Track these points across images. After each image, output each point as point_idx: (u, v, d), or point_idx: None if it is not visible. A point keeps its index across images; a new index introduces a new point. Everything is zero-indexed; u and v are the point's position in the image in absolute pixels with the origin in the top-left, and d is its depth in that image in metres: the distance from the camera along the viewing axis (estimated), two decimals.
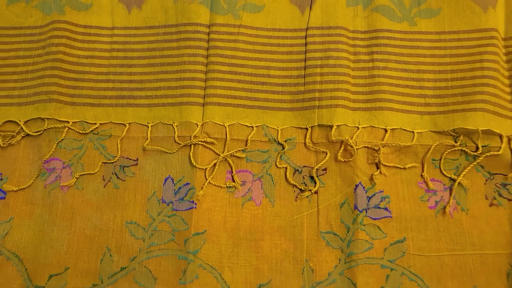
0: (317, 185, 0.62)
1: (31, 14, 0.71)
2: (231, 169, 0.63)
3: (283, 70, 0.67)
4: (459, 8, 0.68)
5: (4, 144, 0.65)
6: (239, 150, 0.64)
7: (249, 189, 0.63)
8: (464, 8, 0.68)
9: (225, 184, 0.63)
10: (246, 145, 0.64)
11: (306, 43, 0.68)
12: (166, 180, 0.63)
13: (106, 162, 0.64)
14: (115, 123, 0.65)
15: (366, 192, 0.62)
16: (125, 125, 0.65)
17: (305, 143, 0.64)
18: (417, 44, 0.68)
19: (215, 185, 0.63)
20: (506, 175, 0.63)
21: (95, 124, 0.65)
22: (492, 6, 0.68)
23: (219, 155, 0.63)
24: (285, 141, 0.64)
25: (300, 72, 0.67)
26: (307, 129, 0.65)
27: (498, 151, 0.62)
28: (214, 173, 0.63)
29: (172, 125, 0.64)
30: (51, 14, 0.70)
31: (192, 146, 0.63)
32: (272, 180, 0.63)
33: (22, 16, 0.71)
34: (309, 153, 0.64)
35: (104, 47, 0.69)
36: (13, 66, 0.68)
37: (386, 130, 0.64)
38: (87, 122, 0.65)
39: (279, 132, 0.65)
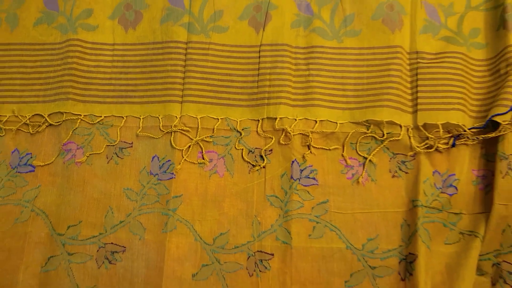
0: (265, 162, 0.85)
1: (51, 33, 0.93)
2: (202, 150, 0.86)
3: (242, 76, 0.89)
4: (374, 30, 0.91)
5: (33, 131, 0.87)
6: (208, 136, 0.86)
7: (215, 165, 0.86)
8: (378, 30, 0.91)
9: (197, 161, 0.85)
10: (213, 132, 0.86)
11: (259, 56, 0.90)
12: (153, 158, 0.85)
13: (109, 145, 0.86)
14: (115, 116, 0.88)
15: (299, 166, 0.84)
16: (123, 118, 0.87)
17: (257, 131, 0.86)
18: (343, 57, 0.90)
19: (189, 161, 0.85)
20: (405, 154, 0.85)
21: (101, 116, 0.87)
22: (398, 29, 0.90)
23: (193, 139, 0.86)
24: (242, 129, 0.87)
25: (255, 78, 0.89)
26: (258, 120, 0.87)
27: (399, 137, 0.85)
28: (189, 152, 0.85)
29: (158, 117, 0.87)
30: (67, 33, 0.92)
31: (173, 133, 0.85)
32: (232, 158, 0.86)
33: (45, 35, 0.93)
34: (260, 138, 0.86)
35: (107, 59, 0.91)
36: (38, 73, 0.90)
37: (316, 121, 0.86)
38: (94, 115, 0.87)
39: (238, 123, 0.87)
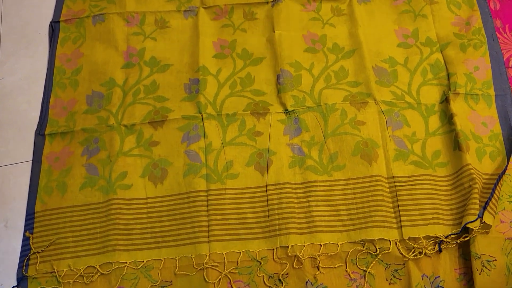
0: (284, 285, 1.02)
1: (95, 194, 1.13)
2: (230, 281, 1.03)
3: (255, 213, 1.09)
4: (355, 164, 1.13)
5: (87, 282, 1.04)
6: (233, 268, 1.04)
7: None
8: (358, 163, 1.13)
9: None
10: (237, 264, 1.04)
11: (267, 195, 1.11)
12: None
13: (152, 285, 1.04)
14: (155, 259, 1.06)
15: (312, 285, 1.02)
16: (161, 260, 1.06)
17: (273, 258, 1.05)
18: (334, 188, 1.11)
19: None
20: (397, 263, 1.04)
21: (143, 261, 1.05)
22: (374, 161, 1.12)
23: (222, 273, 1.04)
24: (261, 258, 1.05)
25: (265, 213, 1.09)
26: (273, 250, 1.06)
27: (389, 250, 1.04)
28: (220, 284, 1.02)
29: (191, 257, 1.05)
30: (108, 194, 1.12)
31: (205, 269, 1.04)
32: (256, 284, 1.03)
33: (89, 197, 1.13)
34: (276, 265, 1.04)
35: (142, 211, 1.11)
36: (87, 230, 1.09)
37: (321, 245, 1.05)
38: (138, 261, 1.05)
39: (257, 253, 1.05)
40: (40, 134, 1.20)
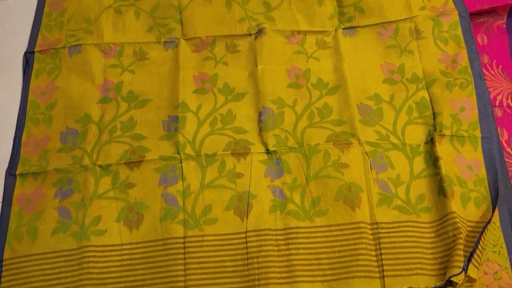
0: None
1: (67, 240, 1.08)
2: None
3: (233, 261, 1.05)
4: (338, 209, 1.10)
5: None
6: None
7: None
8: (341, 209, 1.09)
9: None
10: None
11: (246, 242, 1.07)
12: None
13: None
14: None
15: None
16: None
17: None
18: (316, 235, 1.08)
19: None
20: None
21: None
22: (357, 206, 1.09)
23: None
24: None
25: (244, 262, 1.05)
26: None
27: None
28: None
29: None
30: (81, 240, 1.07)
31: None
32: None
33: (61, 242, 1.08)
34: None
35: (116, 259, 1.06)
36: (57, 279, 1.04)
37: None
38: None
39: None
40: (11, 174, 1.15)
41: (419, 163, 1.15)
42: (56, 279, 1.04)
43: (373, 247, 1.06)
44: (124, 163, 1.15)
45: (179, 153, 1.15)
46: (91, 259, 1.05)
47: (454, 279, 0.97)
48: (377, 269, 1.04)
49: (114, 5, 1.37)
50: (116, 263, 1.06)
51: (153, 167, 1.14)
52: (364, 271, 1.02)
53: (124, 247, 1.08)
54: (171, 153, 1.15)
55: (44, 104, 1.24)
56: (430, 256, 1.05)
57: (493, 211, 1.07)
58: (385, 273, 1.03)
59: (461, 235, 1.02)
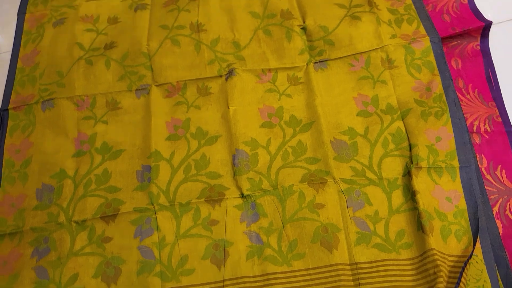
0: None
1: None
2: None
3: None
4: (315, 251, 1.07)
5: None
6: None
7: None
8: (318, 251, 1.07)
9: None
10: None
11: None
12: None
13: None
14: None
15: None
16: None
17: None
18: (294, 279, 1.06)
19: None
20: None
21: None
22: (335, 248, 1.07)
23: None
24: None
25: None
26: None
27: None
28: None
29: None
30: None
31: None
32: None
33: None
34: None
35: None
36: None
37: None
38: None
39: None
40: None
41: (398, 197, 1.13)
42: None
43: (352, 282, 1.04)
44: (100, 217, 1.14)
45: (152, 204, 1.14)
46: None
47: None
48: None
49: (84, 56, 1.38)
50: None
51: (128, 219, 1.14)
52: None
53: None
54: (145, 205, 1.15)
55: (19, 162, 1.24)
56: None
57: (474, 244, 1.04)
58: None
59: (441, 273, 0.99)
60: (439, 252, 1.03)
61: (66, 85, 1.33)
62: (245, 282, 1.05)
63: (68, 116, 1.29)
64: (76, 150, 1.24)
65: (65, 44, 1.40)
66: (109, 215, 1.14)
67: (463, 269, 1.00)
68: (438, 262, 1.01)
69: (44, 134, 1.27)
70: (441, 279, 0.99)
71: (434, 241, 1.04)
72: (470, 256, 1.02)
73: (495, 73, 1.28)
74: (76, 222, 1.15)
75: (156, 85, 1.32)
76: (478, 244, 1.06)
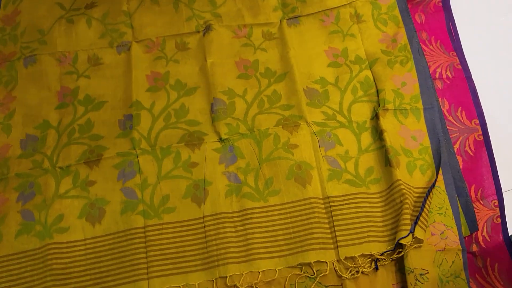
0: None
1: (31, 241, 1.12)
2: None
3: (193, 245, 1.09)
4: (290, 187, 1.14)
5: None
6: None
7: None
8: (293, 187, 1.14)
9: None
10: None
11: (204, 226, 1.11)
12: None
13: None
14: None
15: None
16: None
17: None
18: (270, 213, 1.12)
19: None
20: (335, 285, 1.05)
21: None
22: (308, 183, 1.14)
23: None
24: None
25: (204, 245, 1.09)
26: (213, 281, 1.06)
27: (326, 272, 1.05)
28: None
29: None
30: (44, 239, 1.11)
31: None
32: None
33: (26, 243, 1.11)
34: None
35: (81, 253, 1.09)
36: (24, 278, 1.08)
37: (259, 272, 1.06)
38: None
39: (197, 286, 1.05)
40: None
41: (366, 138, 1.20)
42: (22, 278, 1.07)
43: (326, 220, 1.10)
44: (84, 162, 1.19)
45: (135, 149, 1.19)
46: (55, 255, 1.08)
47: (402, 241, 1.02)
48: (331, 241, 1.08)
49: (66, 15, 1.42)
50: (81, 257, 1.09)
51: (111, 164, 1.19)
52: (318, 243, 1.07)
53: (87, 241, 1.11)
54: (127, 149, 1.20)
55: (3, 114, 1.27)
56: (381, 224, 1.10)
57: (436, 176, 1.12)
58: (338, 244, 1.07)
59: (407, 201, 1.07)
60: (405, 183, 1.10)
61: (47, 43, 1.37)
62: (223, 217, 1.11)
63: (51, 71, 1.33)
64: (59, 102, 1.28)
65: (45, 4, 1.44)
66: (92, 160, 1.19)
67: (426, 197, 1.08)
68: (404, 191, 1.08)
69: (27, 89, 1.31)
70: (407, 205, 1.06)
71: (400, 174, 1.12)
72: (433, 186, 1.10)
73: (456, 26, 1.36)
74: (61, 168, 1.19)
75: (136, 42, 1.37)
76: (440, 177, 1.14)
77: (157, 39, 1.37)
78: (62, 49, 1.36)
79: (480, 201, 1.12)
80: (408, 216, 1.05)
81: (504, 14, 1.40)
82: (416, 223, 1.04)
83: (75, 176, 1.18)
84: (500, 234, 1.08)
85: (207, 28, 1.37)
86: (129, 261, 1.07)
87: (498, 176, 1.14)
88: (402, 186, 1.09)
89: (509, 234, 1.08)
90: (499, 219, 1.09)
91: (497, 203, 1.11)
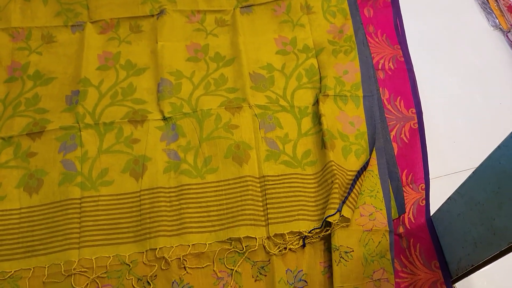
0: (151, 286, 1.04)
1: None
2: (98, 285, 1.04)
3: (127, 218, 1.11)
4: (227, 166, 1.16)
5: None
6: (102, 273, 1.05)
7: None
8: (230, 165, 1.16)
9: None
10: (106, 268, 1.05)
11: (140, 200, 1.13)
12: None
13: None
14: (24, 269, 1.05)
15: (178, 286, 1.04)
16: (30, 269, 1.05)
17: (143, 261, 1.06)
18: (206, 190, 1.14)
19: None
20: (263, 260, 1.07)
21: (11, 271, 1.05)
22: (245, 162, 1.16)
23: (90, 277, 1.05)
24: (131, 262, 1.06)
25: (138, 218, 1.11)
26: (143, 253, 1.07)
27: (255, 248, 1.07)
28: None
29: (60, 264, 1.05)
30: None
31: (73, 275, 1.04)
32: (125, 287, 1.04)
33: None
34: (146, 267, 1.06)
35: (15, 222, 1.10)
36: None
37: (189, 246, 1.08)
38: (5, 271, 1.05)
39: (127, 257, 1.07)
40: None
41: (307, 122, 1.24)
42: None
43: (260, 198, 1.13)
44: (26, 134, 1.20)
45: (78, 123, 1.21)
46: None
47: (329, 219, 1.05)
48: (263, 218, 1.10)
49: None
50: (15, 226, 1.10)
51: (53, 136, 1.20)
52: (250, 219, 1.09)
53: (23, 210, 1.12)
54: (71, 123, 1.22)
55: None
56: (312, 204, 1.12)
57: (369, 159, 1.15)
58: (269, 221, 1.09)
59: (337, 181, 1.10)
60: (337, 164, 1.13)
61: (2, 18, 1.39)
62: (159, 192, 1.13)
63: (2, 46, 1.34)
64: (8, 76, 1.30)
65: None
66: (35, 132, 1.21)
67: (356, 178, 1.11)
68: (335, 172, 1.11)
69: None
70: (337, 185, 1.09)
71: (334, 156, 1.15)
72: (364, 168, 1.13)
73: (402, 21, 1.41)
74: (2, 138, 1.20)
75: (91, 22, 1.40)
76: (374, 161, 1.17)
77: (112, 20, 1.40)
78: (16, 25, 1.38)
79: (410, 185, 1.15)
80: (337, 196, 1.08)
81: (448, 11, 1.45)
82: (344, 202, 1.06)
83: (16, 147, 1.19)
84: (424, 216, 1.11)
85: (161, 12, 1.40)
86: (62, 231, 1.08)
87: (427, 162, 1.17)
88: (334, 167, 1.12)
89: (430, 215, 1.11)
90: (424, 202, 1.13)
91: (424, 187, 1.14)
